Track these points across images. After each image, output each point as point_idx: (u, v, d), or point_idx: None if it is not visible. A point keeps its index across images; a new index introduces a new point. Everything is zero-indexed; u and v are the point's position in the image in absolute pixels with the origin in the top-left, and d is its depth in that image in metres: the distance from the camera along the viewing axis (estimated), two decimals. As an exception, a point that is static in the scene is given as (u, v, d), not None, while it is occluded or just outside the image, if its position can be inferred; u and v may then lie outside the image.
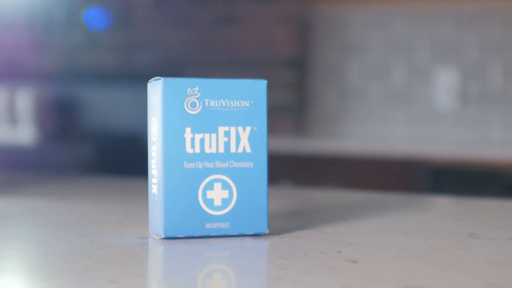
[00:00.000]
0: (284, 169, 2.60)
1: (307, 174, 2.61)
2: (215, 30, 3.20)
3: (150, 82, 0.68)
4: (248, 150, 0.68)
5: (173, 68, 3.23)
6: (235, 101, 0.67)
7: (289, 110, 3.05)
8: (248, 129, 0.68)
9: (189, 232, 0.66)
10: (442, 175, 2.44)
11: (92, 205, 0.90)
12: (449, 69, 2.85)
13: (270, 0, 3.10)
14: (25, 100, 3.37)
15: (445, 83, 2.85)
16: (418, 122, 2.91)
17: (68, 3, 3.51)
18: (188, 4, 3.24)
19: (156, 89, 0.66)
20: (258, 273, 0.56)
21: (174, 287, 0.51)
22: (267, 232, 0.69)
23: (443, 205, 1.04)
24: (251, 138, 0.68)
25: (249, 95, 0.68)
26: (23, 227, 0.75)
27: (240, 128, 0.67)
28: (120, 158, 2.95)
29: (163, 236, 0.66)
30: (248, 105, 0.68)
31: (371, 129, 2.97)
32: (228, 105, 0.67)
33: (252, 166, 0.68)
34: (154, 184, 0.67)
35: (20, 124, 3.37)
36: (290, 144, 2.70)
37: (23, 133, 3.37)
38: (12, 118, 3.37)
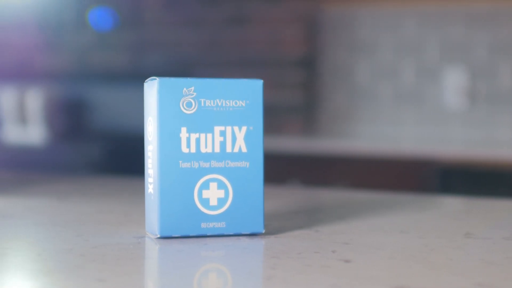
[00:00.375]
0: (292, 169, 2.60)
1: (316, 174, 2.60)
2: (225, 30, 3.20)
3: (146, 82, 0.68)
4: (244, 149, 0.68)
5: (182, 68, 3.24)
6: (231, 101, 0.67)
7: (298, 110, 3.05)
8: (244, 128, 0.68)
9: (185, 232, 0.66)
10: (451, 175, 2.43)
11: (92, 204, 0.90)
12: (458, 69, 2.84)
13: (279, 0, 3.10)
14: (34, 100, 3.38)
15: (454, 83, 2.84)
16: (427, 122, 2.90)
17: (78, 3, 3.52)
18: (198, 4, 3.25)
19: (152, 89, 0.66)
20: (249, 272, 0.56)
21: (167, 287, 0.51)
22: (263, 231, 0.69)
23: (445, 204, 1.03)
24: (247, 138, 0.68)
25: (245, 95, 0.68)
26: (21, 226, 0.75)
27: (236, 128, 0.68)
28: (129, 158, 2.95)
29: (159, 236, 0.66)
30: (244, 104, 0.68)
31: (380, 129, 2.97)
32: (224, 104, 0.67)
33: (248, 166, 0.68)
34: (150, 183, 0.67)
35: (29, 123, 3.38)
36: (299, 144, 2.70)
37: (32, 132, 3.38)
38: (22, 118, 3.39)
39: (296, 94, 3.05)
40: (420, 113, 2.92)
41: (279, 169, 2.61)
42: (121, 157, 3.09)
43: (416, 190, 2.26)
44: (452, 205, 1.03)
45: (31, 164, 3.19)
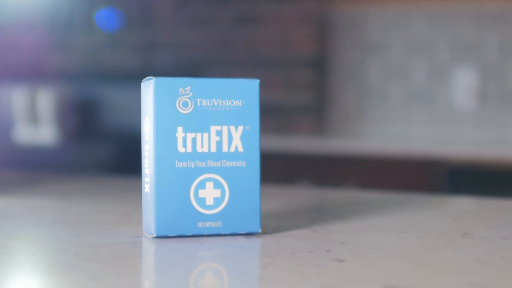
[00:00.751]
0: (303, 169, 2.60)
1: (326, 174, 2.60)
2: (235, 30, 3.20)
3: (143, 82, 0.68)
4: (241, 149, 0.68)
5: (192, 68, 3.24)
6: (227, 101, 0.68)
7: (308, 110, 3.05)
8: (240, 128, 0.68)
9: (181, 231, 0.66)
10: (461, 175, 2.42)
11: (93, 204, 0.90)
12: (469, 68, 2.83)
13: (289, 0, 3.09)
14: (45, 100, 3.39)
15: (464, 83, 2.83)
16: (437, 122, 2.89)
17: (88, 4, 3.53)
18: (208, 4, 3.25)
19: (148, 88, 0.67)
20: (242, 272, 0.56)
21: (163, 286, 0.51)
22: (260, 231, 0.69)
23: (447, 204, 1.03)
24: (243, 138, 0.68)
25: (241, 94, 0.68)
26: (20, 225, 0.76)
27: (232, 128, 0.68)
28: (139, 158, 2.96)
29: (155, 235, 0.66)
30: (240, 104, 0.68)
31: (390, 129, 2.96)
32: (220, 104, 0.67)
33: (244, 166, 0.68)
34: (147, 183, 0.67)
35: (40, 123, 3.40)
36: (309, 144, 2.70)
37: (43, 132, 3.39)
38: (33, 118, 3.40)
39: (306, 94, 3.05)
40: (430, 113, 2.91)
41: (289, 169, 2.61)
42: (130, 157, 3.10)
43: (426, 190, 2.26)
44: (455, 205, 1.03)
45: (41, 164, 3.20)
